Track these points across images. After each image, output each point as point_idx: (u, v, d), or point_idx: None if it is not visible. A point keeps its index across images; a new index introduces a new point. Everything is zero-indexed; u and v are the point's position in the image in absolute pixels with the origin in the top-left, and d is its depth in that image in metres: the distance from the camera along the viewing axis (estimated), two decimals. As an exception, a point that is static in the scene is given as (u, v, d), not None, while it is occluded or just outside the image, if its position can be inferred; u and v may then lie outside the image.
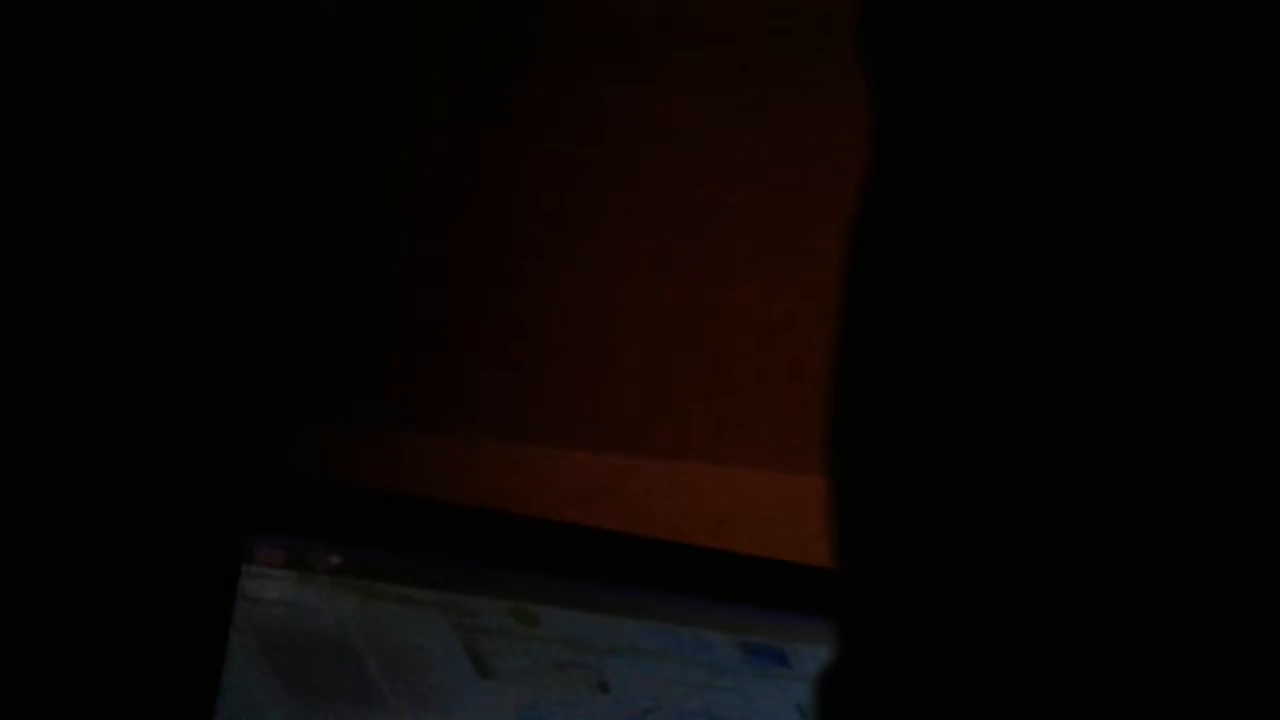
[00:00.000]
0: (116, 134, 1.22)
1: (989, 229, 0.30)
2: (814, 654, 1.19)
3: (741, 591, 1.20)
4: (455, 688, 1.13)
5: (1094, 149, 0.29)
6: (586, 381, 1.44)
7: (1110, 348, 0.28)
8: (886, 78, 0.34)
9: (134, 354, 1.25)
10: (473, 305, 1.39)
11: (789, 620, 1.18)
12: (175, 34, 1.20)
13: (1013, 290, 0.29)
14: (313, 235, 1.34)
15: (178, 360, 1.27)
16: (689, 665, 1.16)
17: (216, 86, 1.23)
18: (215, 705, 1.09)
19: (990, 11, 0.32)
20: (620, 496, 1.43)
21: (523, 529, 1.20)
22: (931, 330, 0.32)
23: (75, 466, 1.19)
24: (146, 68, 1.20)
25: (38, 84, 1.18)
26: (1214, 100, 0.28)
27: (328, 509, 1.14)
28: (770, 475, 1.51)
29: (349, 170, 1.31)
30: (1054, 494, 0.27)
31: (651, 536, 1.26)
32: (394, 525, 1.15)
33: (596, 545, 1.21)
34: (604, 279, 1.38)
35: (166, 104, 1.22)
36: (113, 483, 1.20)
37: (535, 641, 1.15)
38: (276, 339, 1.35)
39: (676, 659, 1.17)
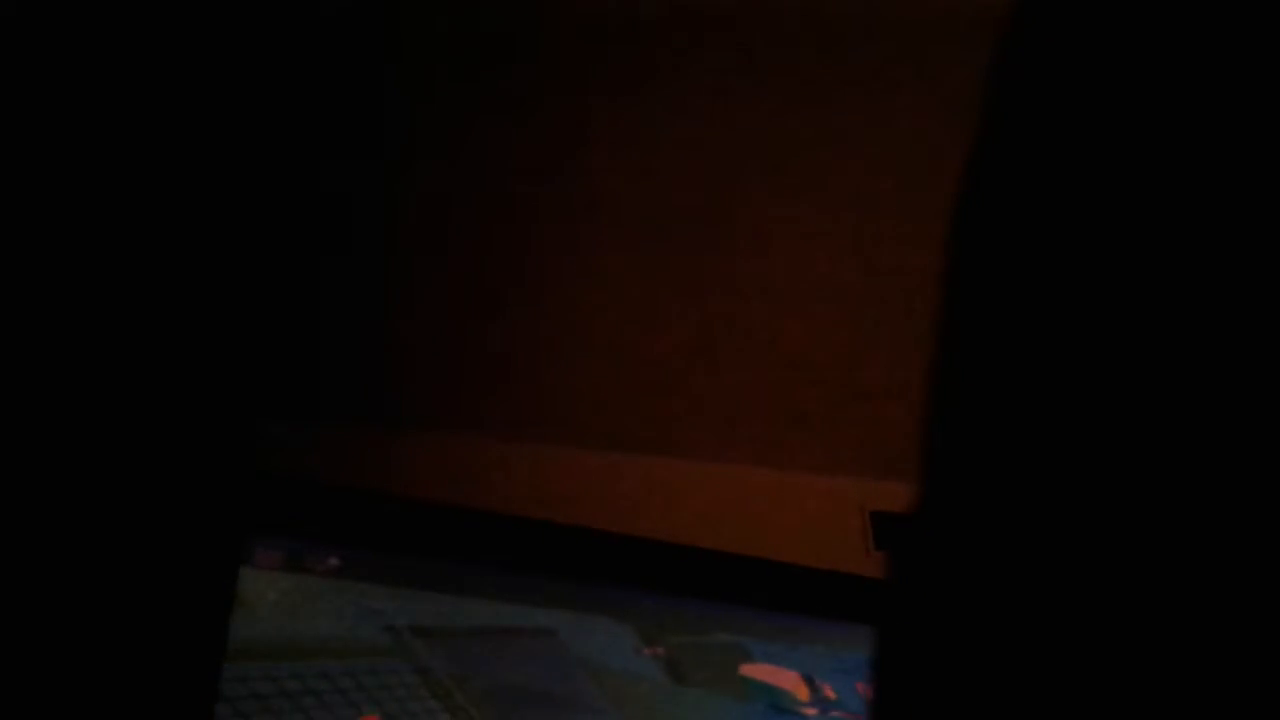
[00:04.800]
0: (116, 134, 1.22)
1: (1006, 229, 0.30)
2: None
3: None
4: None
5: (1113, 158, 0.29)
6: (586, 382, 1.44)
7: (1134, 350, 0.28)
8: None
9: (135, 355, 1.25)
10: (472, 306, 1.39)
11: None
12: (175, 34, 1.20)
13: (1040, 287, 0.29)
14: (313, 235, 1.34)
15: (179, 361, 1.27)
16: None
17: (217, 86, 1.23)
18: (215, 705, 1.08)
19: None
20: (621, 496, 1.43)
21: (521, 530, 1.20)
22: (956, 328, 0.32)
23: (76, 466, 1.19)
24: (147, 68, 1.20)
25: (38, 84, 1.17)
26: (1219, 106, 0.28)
27: (327, 510, 1.13)
28: (763, 472, 1.51)
29: (348, 170, 1.31)
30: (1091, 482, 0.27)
31: (651, 537, 1.26)
32: (392, 527, 1.15)
33: (593, 545, 1.21)
34: (604, 279, 1.37)
35: (167, 104, 1.22)
36: (113, 483, 1.20)
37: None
38: (277, 340, 1.35)
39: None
